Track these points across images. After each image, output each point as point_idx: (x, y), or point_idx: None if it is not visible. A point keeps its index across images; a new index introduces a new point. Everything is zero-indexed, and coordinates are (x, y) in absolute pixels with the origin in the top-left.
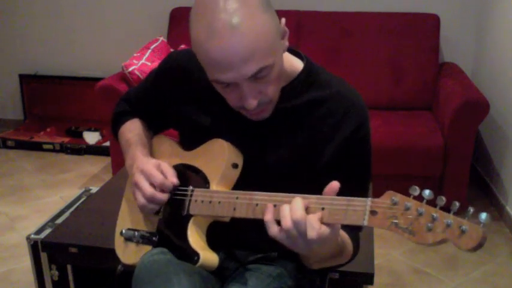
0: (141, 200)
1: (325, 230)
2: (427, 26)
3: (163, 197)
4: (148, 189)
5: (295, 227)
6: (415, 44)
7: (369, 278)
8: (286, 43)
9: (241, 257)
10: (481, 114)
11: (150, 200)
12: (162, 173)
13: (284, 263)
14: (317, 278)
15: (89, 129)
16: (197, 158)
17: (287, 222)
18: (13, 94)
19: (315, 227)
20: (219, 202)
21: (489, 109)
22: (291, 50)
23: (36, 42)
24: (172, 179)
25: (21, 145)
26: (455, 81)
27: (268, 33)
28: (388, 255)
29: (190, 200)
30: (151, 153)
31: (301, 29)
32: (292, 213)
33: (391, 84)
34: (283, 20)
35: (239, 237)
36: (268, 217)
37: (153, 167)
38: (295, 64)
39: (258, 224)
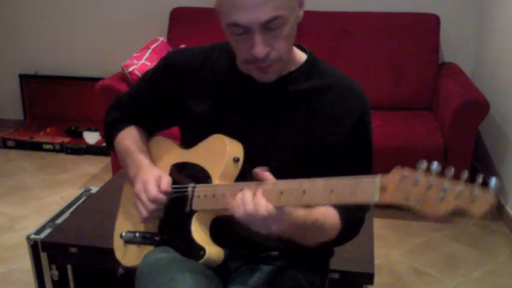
0: (143, 212)
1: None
2: (427, 26)
3: (160, 208)
4: (149, 205)
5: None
6: (415, 44)
7: (369, 278)
8: (301, 13)
9: (243, 256)
10: (481, 114)
11: (151, 212)
12: (159, 185)
13: (285, 262)
14: (317, 278)
15: (89, 129)
16: (197, 155)
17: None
18: (13, 94)
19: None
20: (223, 195)
21: (489, 109)
22: (295, 44)
23: (36, 42)
24: (165, 188)
25: (21, 145)
26: (455, 81)
27: None
28: (388, 255)
29: (192, 196)
30: (150, 156)
31: (301, 29)
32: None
33: (391, 84)
34: None
35: (240, 236)
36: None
37: (152, 179)
38: (300, 55)
39: None
